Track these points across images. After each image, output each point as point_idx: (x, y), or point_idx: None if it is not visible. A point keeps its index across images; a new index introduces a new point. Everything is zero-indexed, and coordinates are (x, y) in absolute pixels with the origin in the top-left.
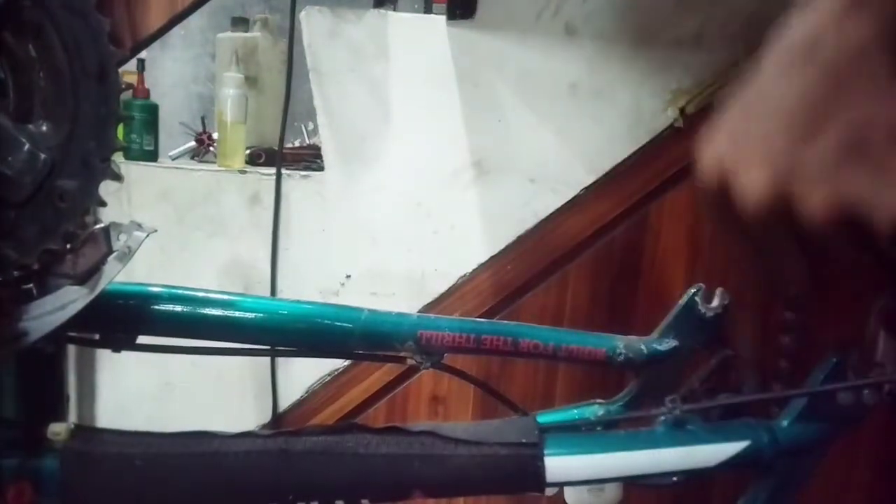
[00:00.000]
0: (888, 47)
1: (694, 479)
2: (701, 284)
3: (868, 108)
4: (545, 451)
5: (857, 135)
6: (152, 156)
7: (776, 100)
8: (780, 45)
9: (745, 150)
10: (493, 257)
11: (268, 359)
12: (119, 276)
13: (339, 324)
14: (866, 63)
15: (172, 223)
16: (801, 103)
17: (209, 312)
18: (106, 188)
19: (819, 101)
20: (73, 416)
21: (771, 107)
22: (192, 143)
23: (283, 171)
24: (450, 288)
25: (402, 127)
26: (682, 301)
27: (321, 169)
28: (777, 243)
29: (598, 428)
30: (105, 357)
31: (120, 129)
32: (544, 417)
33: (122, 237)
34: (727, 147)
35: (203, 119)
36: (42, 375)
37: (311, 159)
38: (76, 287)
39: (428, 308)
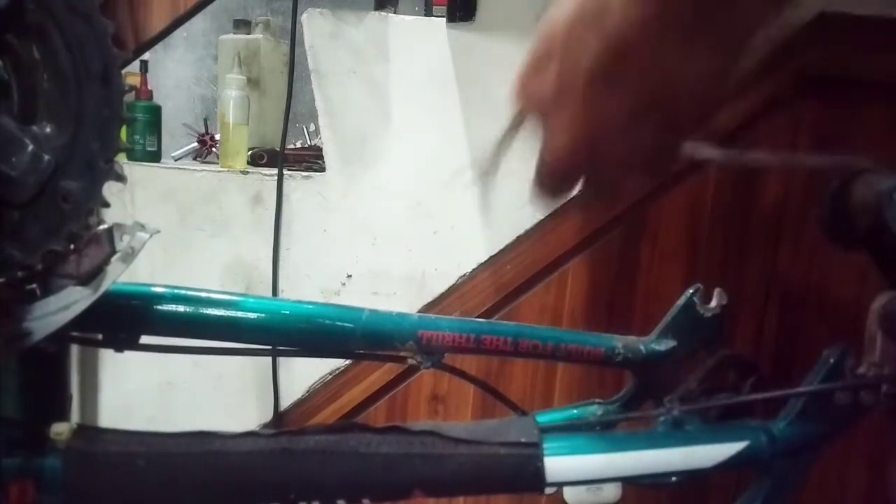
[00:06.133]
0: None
1: (692, 479)
2: (699, 285)
3: None
4: (545, 451)
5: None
6: (155, 157)
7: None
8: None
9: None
10: (492, 257)
11: (269, 358)
12: (122, 276)
13: (340, 324)
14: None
15: (175, 223)
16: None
17: (211, 312)
18: (109, 189)
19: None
20: (75, 416)
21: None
22: (195, 144)
23: (285, 171)
24: (450, 288)
25: (402, 128)
26: (681, 301)
27: (322, 170)
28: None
29: (597, 428)
30: (108, 357)
31: (123, 131)
32: (543, 417)
33: (126, 238)
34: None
35: (206, 120)
36: (45, 375)
37: (312, 160)
38: (79, 287)
39: (428, 308)
